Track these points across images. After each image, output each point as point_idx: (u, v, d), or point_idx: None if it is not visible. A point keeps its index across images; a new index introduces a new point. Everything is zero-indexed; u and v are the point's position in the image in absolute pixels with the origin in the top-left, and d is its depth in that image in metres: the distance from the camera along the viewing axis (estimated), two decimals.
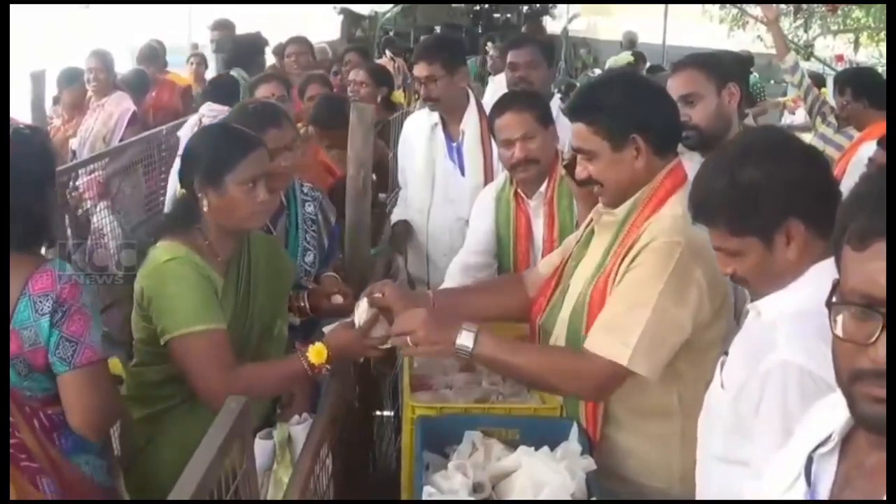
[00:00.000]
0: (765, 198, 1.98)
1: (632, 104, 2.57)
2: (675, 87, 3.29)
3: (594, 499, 2.22)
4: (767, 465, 1.60)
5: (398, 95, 6.81)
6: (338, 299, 3.31)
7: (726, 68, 3.39)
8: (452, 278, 3.66)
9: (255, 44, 7.30)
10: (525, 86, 4.41)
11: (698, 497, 2.14)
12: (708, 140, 3.23)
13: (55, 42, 8.19)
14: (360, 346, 2.78)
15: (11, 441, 2.38)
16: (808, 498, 1.38)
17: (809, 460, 1.40)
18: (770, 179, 1.99)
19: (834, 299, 1.31)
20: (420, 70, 4.34)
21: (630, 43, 11.44)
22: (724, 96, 3.28)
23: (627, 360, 2.40)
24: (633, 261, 2.50)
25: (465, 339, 2.46)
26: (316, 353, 2.73)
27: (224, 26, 8.26)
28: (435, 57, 4.31)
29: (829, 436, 1.39)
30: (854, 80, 6.02)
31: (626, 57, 10.79)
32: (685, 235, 2.42)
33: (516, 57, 4.66)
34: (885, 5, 12.49)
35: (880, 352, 1.22)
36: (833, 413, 1.36)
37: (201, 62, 9.04)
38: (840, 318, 1.29)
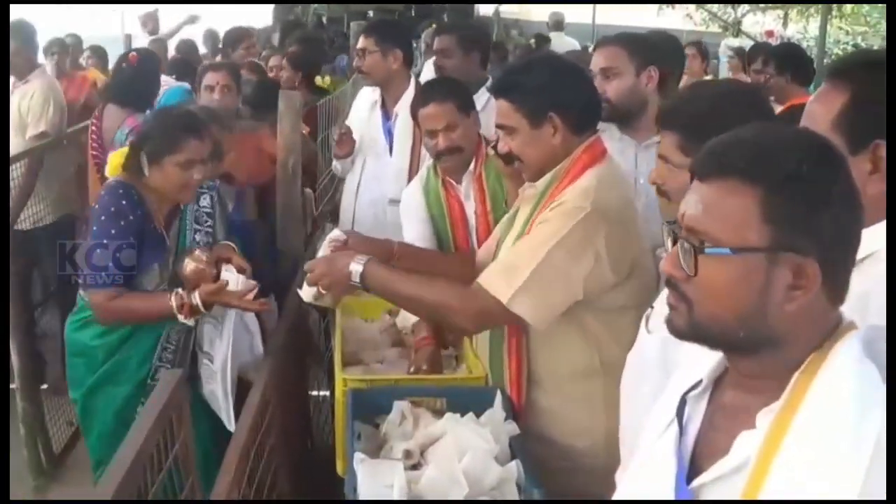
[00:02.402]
0: None
1: (550, 84, 2.67)
2: (597, 60, 3.45)
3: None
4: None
5: (324, 81, 6.90)
6: (230, 269, 3.27)
7: (650, 52, 3.49)
8: None
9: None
10: (440, 73, 4.62)
11: (623, 461, 2.16)
12: (619, 114, 3.38)
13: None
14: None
15: None
16: (678, 439, 1.46)
17: (683, 403, 1.50)
18: None
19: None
20: (360, 42, 4.51)
21: (557, 24, 11.41)
22: (642, 78, 3.41)
23: (507, 299, 2.51)
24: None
25: (356, 267, 2.61)
26: None
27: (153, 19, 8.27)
28: (371, 32, 4.48)
29: (701, 379, 1.49)
30: (778, 55, 6.20)
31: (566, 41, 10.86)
32: (593, 202, 2.53)
33: (435, 45, 4.90)
34: None
35: (662, 263, 1.42)
36: (708, 356, 1.46)
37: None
38: (667, 237, 1.47)
